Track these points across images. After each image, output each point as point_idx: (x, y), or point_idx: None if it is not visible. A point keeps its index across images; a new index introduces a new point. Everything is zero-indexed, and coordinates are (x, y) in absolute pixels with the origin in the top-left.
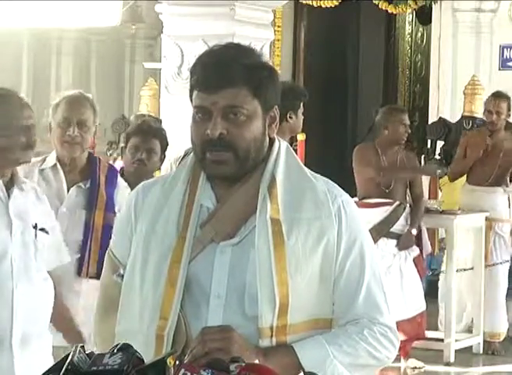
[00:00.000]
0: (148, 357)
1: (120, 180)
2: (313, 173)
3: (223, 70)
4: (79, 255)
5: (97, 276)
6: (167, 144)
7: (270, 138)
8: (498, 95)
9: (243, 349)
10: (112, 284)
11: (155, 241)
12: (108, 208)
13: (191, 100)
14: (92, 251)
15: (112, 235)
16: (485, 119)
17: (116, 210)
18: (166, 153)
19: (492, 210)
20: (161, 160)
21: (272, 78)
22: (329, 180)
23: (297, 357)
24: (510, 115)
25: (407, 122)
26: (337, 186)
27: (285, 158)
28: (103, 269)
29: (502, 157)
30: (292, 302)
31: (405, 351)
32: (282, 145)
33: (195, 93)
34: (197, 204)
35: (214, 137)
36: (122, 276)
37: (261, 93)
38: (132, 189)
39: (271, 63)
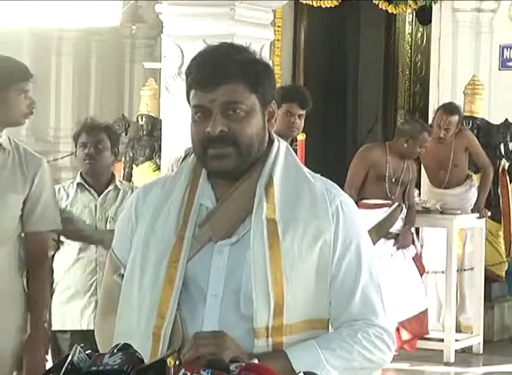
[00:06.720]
0: (145, 356)
1: None
2: (312, 172)
3: (219, 67)
4: None
5: None
6: (117, 138)
7: (269, 138)
8: (449, 110)
9: (236, 354)
10: (112, 284)
11: (155, 240)
12: None
13: (188, 101)
14: None
15: (114, 235)
16: (486, 120)
17: None
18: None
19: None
20: (115, 155)
21: (267, 73)
22: (328, 180)
23: (290, 362)
24: (459, 127)
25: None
26: (336, 186)
27: (284, 159)
28: (105, 268)
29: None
30: (287, 303)
31: (411, 346)
32: (281, 145)
33: (192, 93)
34: (196, 203)
35: (214, 135)
36: (123, 276)
37: (258, 88)
38: (93, 189)
39: (271, 63)
